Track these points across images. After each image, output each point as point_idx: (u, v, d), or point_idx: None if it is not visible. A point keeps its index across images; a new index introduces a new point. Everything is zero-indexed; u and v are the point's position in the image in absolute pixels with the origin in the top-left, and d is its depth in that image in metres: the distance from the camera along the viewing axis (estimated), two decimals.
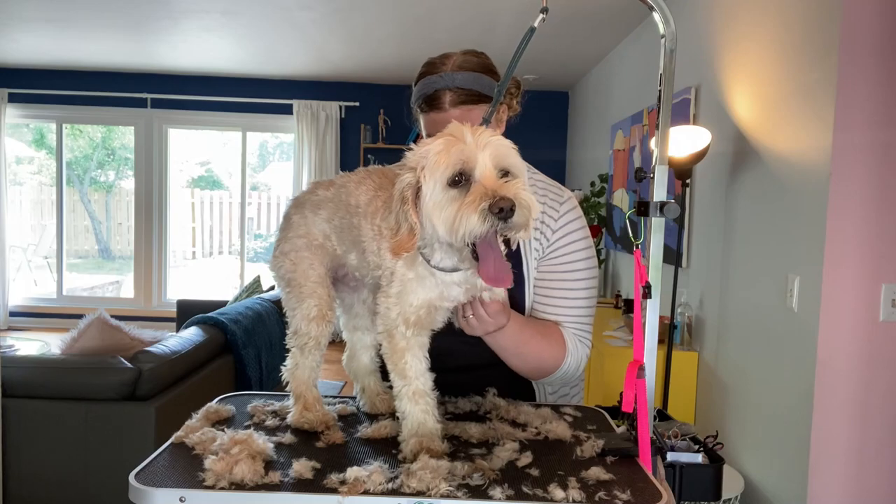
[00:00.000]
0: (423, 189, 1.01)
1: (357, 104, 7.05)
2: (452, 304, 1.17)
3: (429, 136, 1.28)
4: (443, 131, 1.05)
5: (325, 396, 1.41)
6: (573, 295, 1.42)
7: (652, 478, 1.07)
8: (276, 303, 4.11)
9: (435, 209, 1.00)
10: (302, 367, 1.26)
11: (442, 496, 0.95)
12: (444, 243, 1.06)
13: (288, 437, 1.17)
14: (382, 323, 1.15)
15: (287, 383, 1.29)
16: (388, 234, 1.08)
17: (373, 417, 1.30)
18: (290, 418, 1.24)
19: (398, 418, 1.15)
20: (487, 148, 0.99)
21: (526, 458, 1.10)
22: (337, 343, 1.38)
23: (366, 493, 0.96)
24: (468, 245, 1.01)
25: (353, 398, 1.41)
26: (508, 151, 1.02)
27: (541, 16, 1.16)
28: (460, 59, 1.42)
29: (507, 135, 1.10)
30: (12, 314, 7.34)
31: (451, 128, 1.04)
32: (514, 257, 1.40)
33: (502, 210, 0.94)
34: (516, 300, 1.40)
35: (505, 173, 1.01)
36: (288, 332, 1.28)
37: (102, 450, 2.69)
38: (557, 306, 1.43)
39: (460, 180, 0.99)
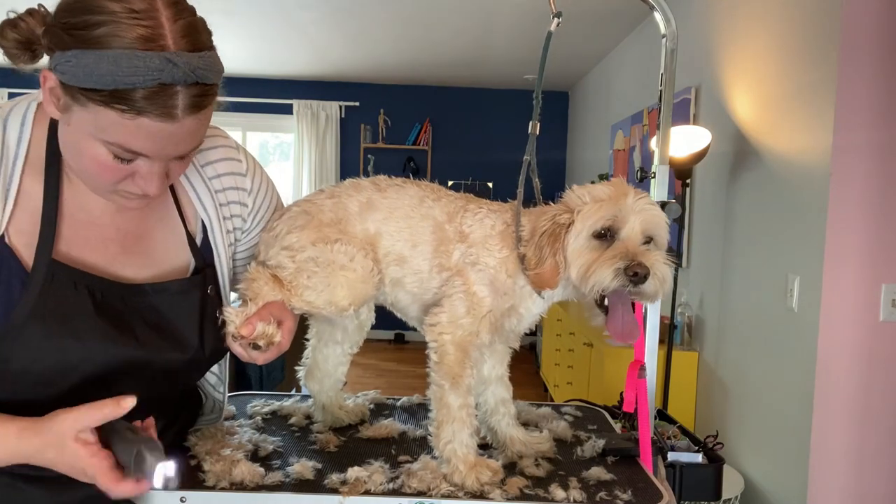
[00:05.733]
0: (571, 231, 1.02)
1: (357, 104, 7.05)
2: (533, 321, 1.13)
3: (119, 146, 0.83)
4: (609, 182, 1.04)
5: None
6: None
7: (653, 478, 1.07)
8: None
9: (575, 253, 1.02)
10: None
11: (443, 496, 0.95)
12: (572, 286, 1.05)
13: (288, 438, 1.17)
14: (451, 331, 1.05)
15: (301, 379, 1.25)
16: (528, 264, 1.04)
17: (373, 418, 1.30)
18: None
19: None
20: (642, 213, 1.01)
21: (527, 458, 1.10)
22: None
23: (367, 493, 0.96)
24: (597, 295, 1.02)
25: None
26: (660, 222, 1.03)
27: (556, 20, 1.19)
28: (184, 26, 0.82)
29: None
30: None
31: (616, 182, 1.05)
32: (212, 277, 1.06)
33: (637, 274, 0.97)
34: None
35: (648, 240, 1.02)
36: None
37: None
38: None
39: (606, 234, 1.01)
